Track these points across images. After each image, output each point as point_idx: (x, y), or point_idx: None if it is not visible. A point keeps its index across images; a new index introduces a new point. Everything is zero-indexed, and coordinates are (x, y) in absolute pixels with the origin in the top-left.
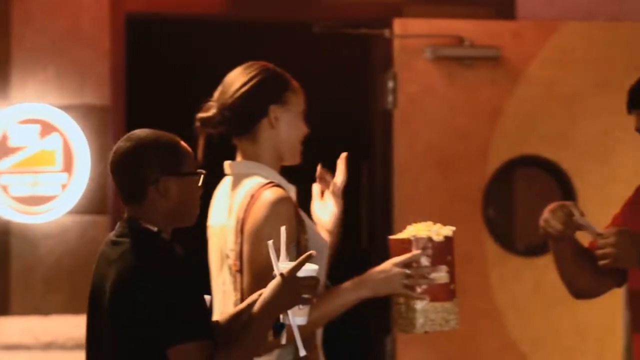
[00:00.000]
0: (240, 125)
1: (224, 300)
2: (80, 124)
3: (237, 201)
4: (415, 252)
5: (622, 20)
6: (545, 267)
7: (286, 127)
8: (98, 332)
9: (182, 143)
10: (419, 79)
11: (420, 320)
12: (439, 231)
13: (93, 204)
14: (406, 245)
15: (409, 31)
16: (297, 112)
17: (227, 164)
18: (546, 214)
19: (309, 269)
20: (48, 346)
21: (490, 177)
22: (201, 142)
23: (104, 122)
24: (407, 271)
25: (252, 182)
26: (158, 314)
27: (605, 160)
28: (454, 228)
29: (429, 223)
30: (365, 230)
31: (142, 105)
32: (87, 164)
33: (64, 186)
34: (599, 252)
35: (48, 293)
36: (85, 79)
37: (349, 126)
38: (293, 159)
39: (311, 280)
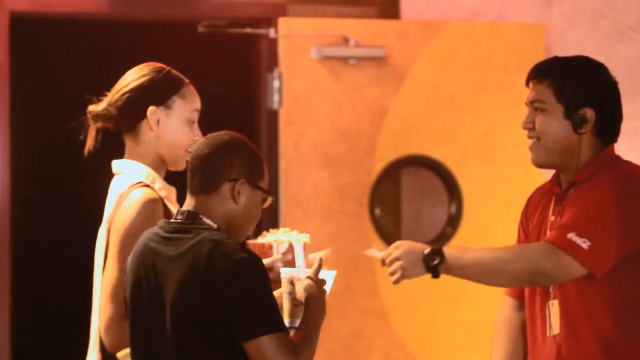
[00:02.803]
0: (122, 123)
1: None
2: None
3: (109, 199)
4: (276, 256)
5: (505, 21)
6: None
7: (168, 131)
8: (147, 327)
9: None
10: (305, 79)
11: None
12: (298, 237)
13: None
14: (266, 249)
15: (294, 31)
16: (183, 118)
17: (112, 162)
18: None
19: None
20: None
21: (377, 176)
22: (91, 134)
23: None
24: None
25: (123, 181)
26: (243, 307)
27: (490, 159)
28: (308, 235)
29: (287, 229)
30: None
31: (27, 102)
32: None
33: None
34: (389, 269)
35: None
36: None
37: (235, 126)
38: (175, 165)
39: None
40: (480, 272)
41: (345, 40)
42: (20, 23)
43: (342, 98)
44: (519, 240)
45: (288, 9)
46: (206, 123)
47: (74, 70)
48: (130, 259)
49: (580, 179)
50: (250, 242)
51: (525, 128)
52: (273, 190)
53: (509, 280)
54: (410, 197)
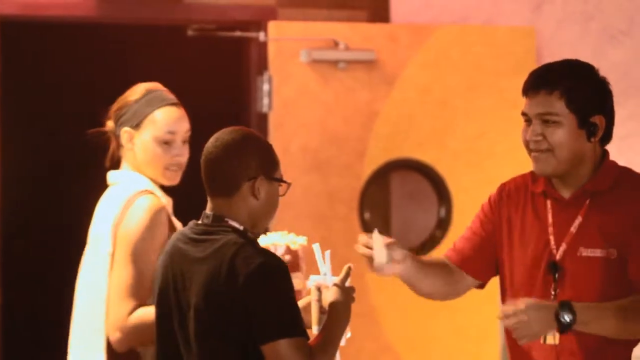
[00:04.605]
0: (116, 137)
1: (93, 297)
2: None
3: (115, 206)
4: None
5: (496, 24)
6: None
7: (139, 149)
8: (172, 328)
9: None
10: (295, 82)
11: None
12: (295, 240)
13: None
14: None
15: (284, 34)
16: (152, 136)
17: (108, 173)
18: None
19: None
20: None
21: (367, 179)
22: (112, 147)
23: None
24: None
25: (124, 190)
26: (263, 310)
27: (480, 163)
28: (305, 237)
29: (284, 232)
30: None
31: (16, 107)
32: None
33: None
34: (516, 333)
35: None
36: None
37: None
38: (158, 179)
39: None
40: (609, 326)
41: (335, 44)
42: (9, 27)
43: (332, 101)
44: (472, 229)
45: (278, 12)
46: (196, 127)
47: (64, 75)
48: (160, 259)
49: (598, 189)
50: None
51: (531, 141)
52: None
53: (633, 333)
54: (400, 201)
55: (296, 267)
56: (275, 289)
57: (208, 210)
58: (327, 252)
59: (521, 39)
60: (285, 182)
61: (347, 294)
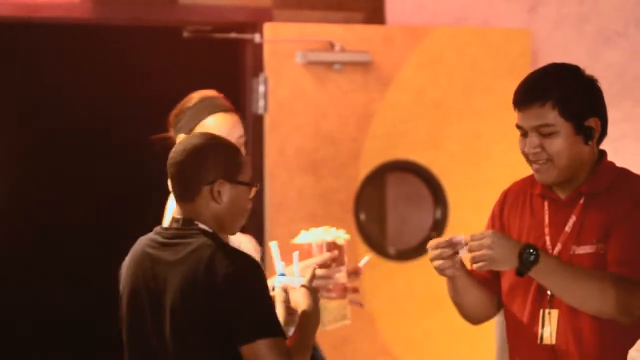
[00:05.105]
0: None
1: None
2: None
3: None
4: (324, 255)
5: (491, 26)
6: (416, 271)
7: None
8: (145, 331)
9: (242, 152)
10: (290, 84)
11: (327, 317)
12: (340, 235)
13: None
14: (307, 250)
15: (280, 36)
16: None
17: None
18: (433, 261)
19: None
20: None
21: (362, 181)
22: None
23: None
24: (321, 271)
25: None
26: (242, 311)
27: (476, 164)
28: (344, 231)
29: (326, 227)
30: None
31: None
32: None
33: None
34: (474, 254)
35: None
36: None
37: None
38: None
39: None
40: (569, 285)
41: (331, 46)
42: (4, 28)
43: (327, 103)
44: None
45: (273, 14)
46: None
47: (60, 76)
48: (126, 265)
49: (593, 191)
50: (292, 242)
51: (530, 153)
52: (258, 194)
53: (592, 304)
54: (395, 202)
55: (342, 261)
56: (254, 290)
57: (177, 215)
58: (296, 253)
59: (516, 41)
60: (249, 184)
61: (314, 294)
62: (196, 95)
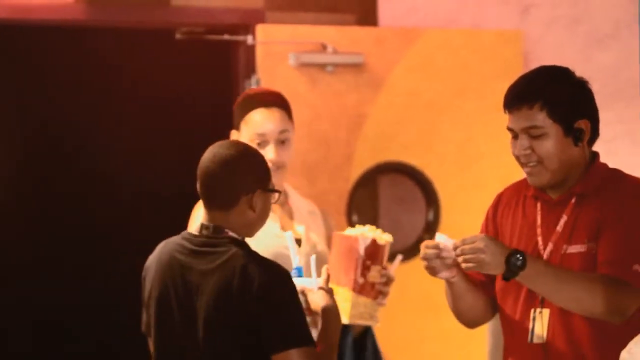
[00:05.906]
0: None
1: None
2: None
3: None
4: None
5: (484, 28)
6: (409, 274)
7: None
8: (175, 337)
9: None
10: (283, 86)
11: (353, 311)
12: (381, 236)
13: None
14: (352, 242)
15: (272, 37)
16: (248, 139)
17: None
18: (425, 262)
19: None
20: None
21: (354, 183)
22: None
23: None
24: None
25: None
26: (275, 319)
27: (468, 166)
28: (389, 234)
29: (372, 227)
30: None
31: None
32: None
33: None
34: (464, 257)
35: None
36: None
37: (213, 133)
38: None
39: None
40: (558, 288)
41: (323, 47)
42: None
43: (320, 105)
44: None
45: (266, 15)
46: (185, 130)
47: (53, 77)
48: (152, 269)
49: (584, 192)
50: (337, 233)
51: (521, 155)
52: None
53: (582, 306)
54: (387, 204)
55: (379, 261)
56: (287, 299)
57: (206, 222)
58: (313, 257)
59: (509, 43)
60: (278, 191)
61: (331, 295)
62: (244, 93)
